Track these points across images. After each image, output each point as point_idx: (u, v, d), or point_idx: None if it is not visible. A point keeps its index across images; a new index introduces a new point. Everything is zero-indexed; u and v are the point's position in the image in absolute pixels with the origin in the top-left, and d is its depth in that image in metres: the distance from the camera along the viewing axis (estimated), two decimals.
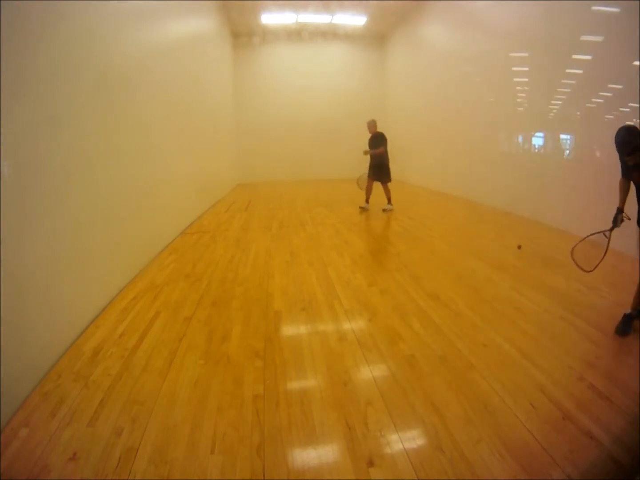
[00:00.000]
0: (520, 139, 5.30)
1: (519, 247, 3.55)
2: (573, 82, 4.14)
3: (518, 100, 5.17)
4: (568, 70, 4.15)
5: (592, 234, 2.24)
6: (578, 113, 4.14)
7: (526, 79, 4.97)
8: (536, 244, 3.78)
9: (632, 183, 2.09)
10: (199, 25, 6.37)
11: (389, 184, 5.81)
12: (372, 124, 5.80)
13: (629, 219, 2.13)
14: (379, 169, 5.72)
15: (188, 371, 1.78)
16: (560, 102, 4.38)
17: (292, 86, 10.31)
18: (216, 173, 7.45)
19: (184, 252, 3.81)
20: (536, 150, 4.96)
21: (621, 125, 2.05)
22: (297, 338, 2.11)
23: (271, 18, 8.83)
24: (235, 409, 1.52)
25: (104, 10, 2.73)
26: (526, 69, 4.93)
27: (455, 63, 6.79)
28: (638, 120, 3.26)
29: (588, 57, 3.87)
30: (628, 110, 3.42)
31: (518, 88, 5.14)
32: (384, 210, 5.72)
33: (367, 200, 5.87)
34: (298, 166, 10.52)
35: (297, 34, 9.72)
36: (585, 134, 4.03)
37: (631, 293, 2.12)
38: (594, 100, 3.82)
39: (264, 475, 1.22)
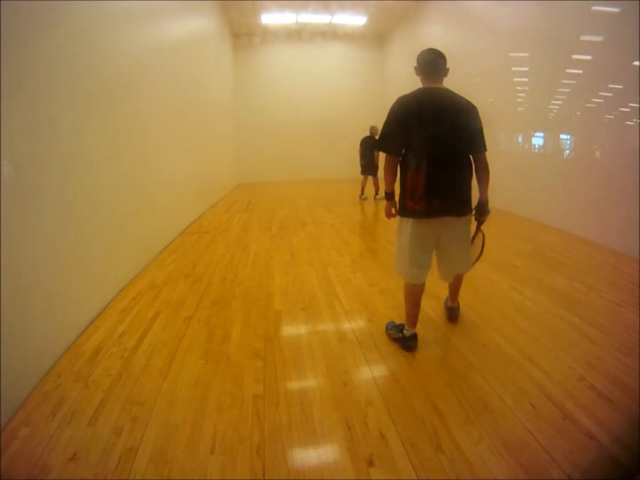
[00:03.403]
0: (520, 139, 5.29)
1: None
2: (573, 82, 4.14)
3: (518, 100, 5.16)
4: (568, 70, 4.14)
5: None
6: (578, 113, 4.13)
7: (526, 79, 4.96)
8: (536, 243, 3.78)
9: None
10: (199, 25, 6.37)
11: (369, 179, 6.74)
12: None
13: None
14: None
15: (188, 371, 1.78)
16: (560, 102, 4.38)
17: (292, 86, 10.30)
18: (216, 173, 7.45)
19: (184, 252, 3.81)
20: (536, 150, 4.96)
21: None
22: (297, 338, 2.11)
23: (271, 18, 8.82)
24: (235, 409, 1.52)
25: (104, 9, 2.73)
26: (526, 69, 4.92)
27: (455, 63, 6.76)
28: (638, 120, 3.26)
29: (588, 57, 3.86)
30: (628, 110, 3.42)
31: (518, 88, 5.13)
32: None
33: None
34: (298, 166, 10.52)
35: (297, 34, 9.70)
36: (585, 134, 4.03)
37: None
38: (594, 100, 3.82)
39: (264, 475, 1.22)
